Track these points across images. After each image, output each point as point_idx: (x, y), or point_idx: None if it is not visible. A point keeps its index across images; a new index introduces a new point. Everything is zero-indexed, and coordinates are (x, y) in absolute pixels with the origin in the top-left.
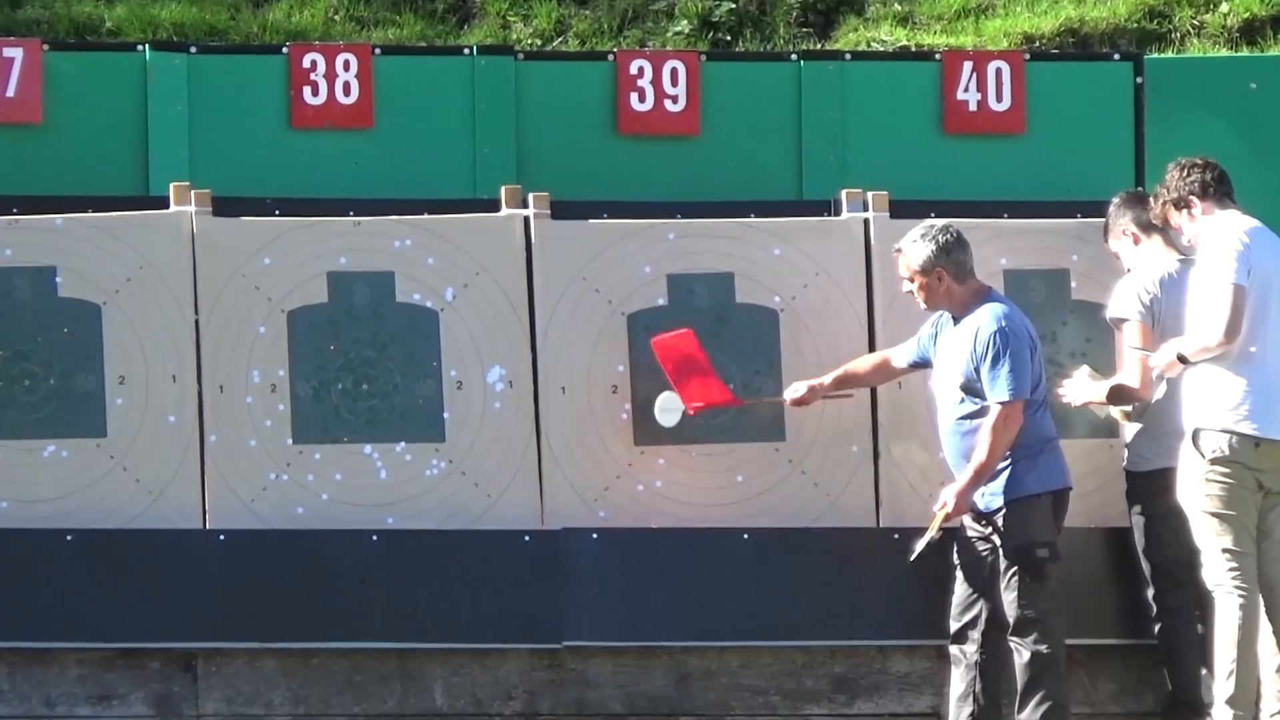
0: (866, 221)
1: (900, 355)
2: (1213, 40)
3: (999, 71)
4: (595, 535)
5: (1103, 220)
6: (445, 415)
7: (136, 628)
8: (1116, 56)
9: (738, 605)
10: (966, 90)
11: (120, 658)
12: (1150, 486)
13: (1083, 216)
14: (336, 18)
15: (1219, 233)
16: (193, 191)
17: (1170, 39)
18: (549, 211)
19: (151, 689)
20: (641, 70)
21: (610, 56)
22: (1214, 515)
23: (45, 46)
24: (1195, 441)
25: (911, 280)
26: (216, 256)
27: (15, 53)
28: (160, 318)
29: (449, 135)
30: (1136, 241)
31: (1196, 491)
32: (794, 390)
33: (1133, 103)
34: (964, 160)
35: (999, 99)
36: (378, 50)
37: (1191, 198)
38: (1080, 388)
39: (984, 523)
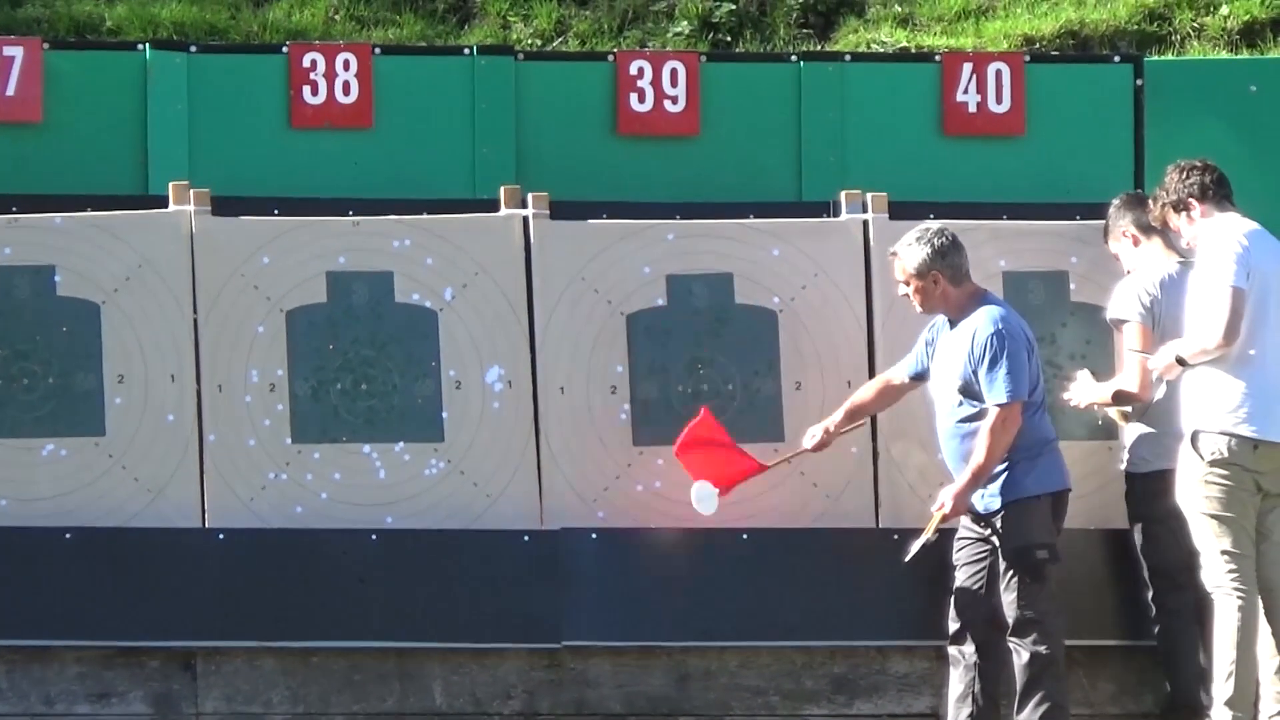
0: (866, 223)
1: (900, 372)
2: (1213, 42)
3: (999, 73)
4: (594, 535)
5: (1102, 222)
6: (444, 415)
7: (136, 626)
8: (1116, 59)
9: (737, 605)
10: (966, 92)
11: (119, 656)
12: (1150, 488)
13: (1082, 218)
14: (337, 17)
15: (1218, 235)
16: (192, 191)
17: (1170, 41)
18: (548, 212)
19: (151, 687)
20: (641, 71)
21: (610, 57)
22: (1213, 517)
23: (45, 45)
24: (1194, 444)
25: (907, 284)
26: (216, 256)
27: (15, 51)
28: (159, 317)
29: (449, 135)
30: (1136, 243)
31: (1195, 493)
32: (811, 437)
33: (1132, 105)
34: (963, 162)
35: (999, 101)
36: (378, 50)
37: (1191, 200)
38: (1084, 389)
39: (983, 524)
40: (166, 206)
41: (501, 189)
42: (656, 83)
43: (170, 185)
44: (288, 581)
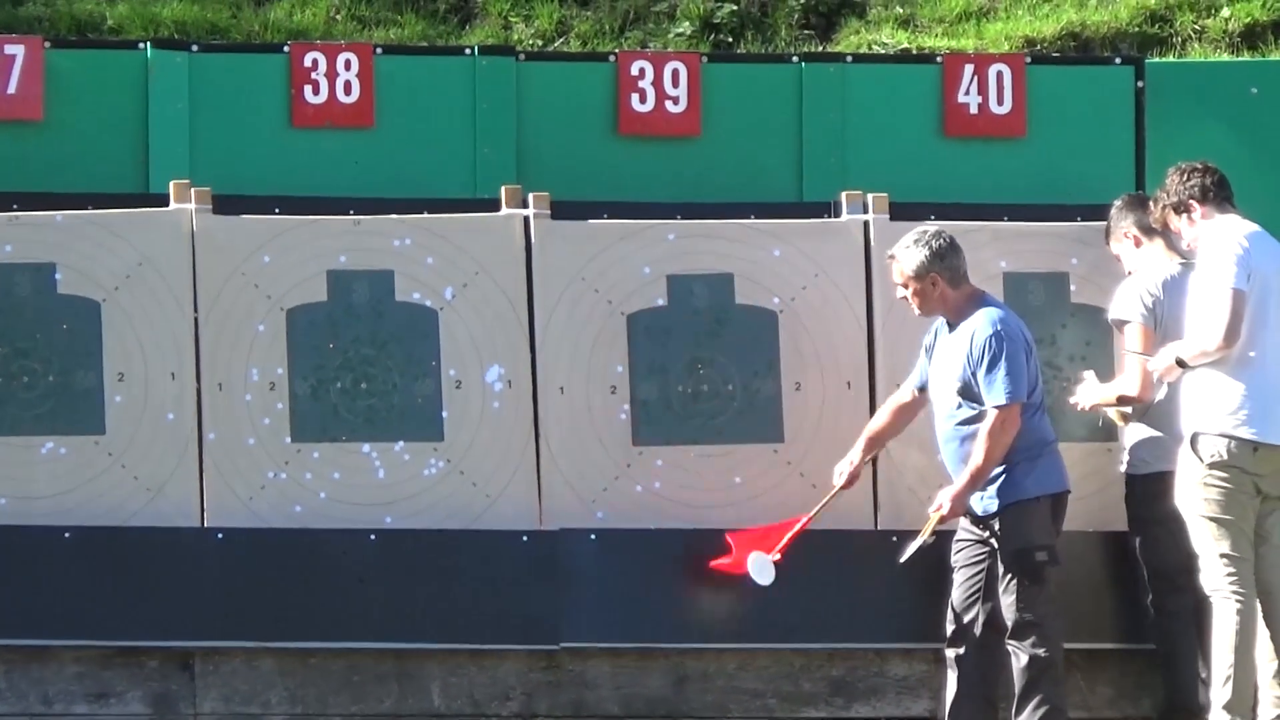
0: (866, 223)
1: (907, 390)
2: (1214, 45)
3: (1000, 74)
4: (593, 536)
5: (1103, 224)
6: (444, 414)
7: (134, 626)
8: (1117, 60)
9: (736, 607)
10: (967, 93)
11: (118, 656)
12: (1149, 490)
13: (1083, 220)
14: (338, 17)
15: (1219, 237)
16: (193, 189)
17: (1171, 43)
18: (549, 211)
19: (149, 687)
20: (643, 71)
21: (611, 57)
22: (1212, 520)
23: (46, 44)
24: (1193, 446)
25: (905, 286)
26: (216, 254)
27: (17, 50)
28: (159, 315)
29: (450, 135)
30: (1138, 244)
31: (1194, 496)
32: (839, 475)
33: (1133, 107)
34: (964, 163)
35: (1000, 102)
36: (379, 50)
37: (1191, 202)
38: (1088, 391)
39: (982, 526)
40: (167, 205)
41: (502, 189)
42: (658, 83)
43: (171, 184)
44: (286, 581)
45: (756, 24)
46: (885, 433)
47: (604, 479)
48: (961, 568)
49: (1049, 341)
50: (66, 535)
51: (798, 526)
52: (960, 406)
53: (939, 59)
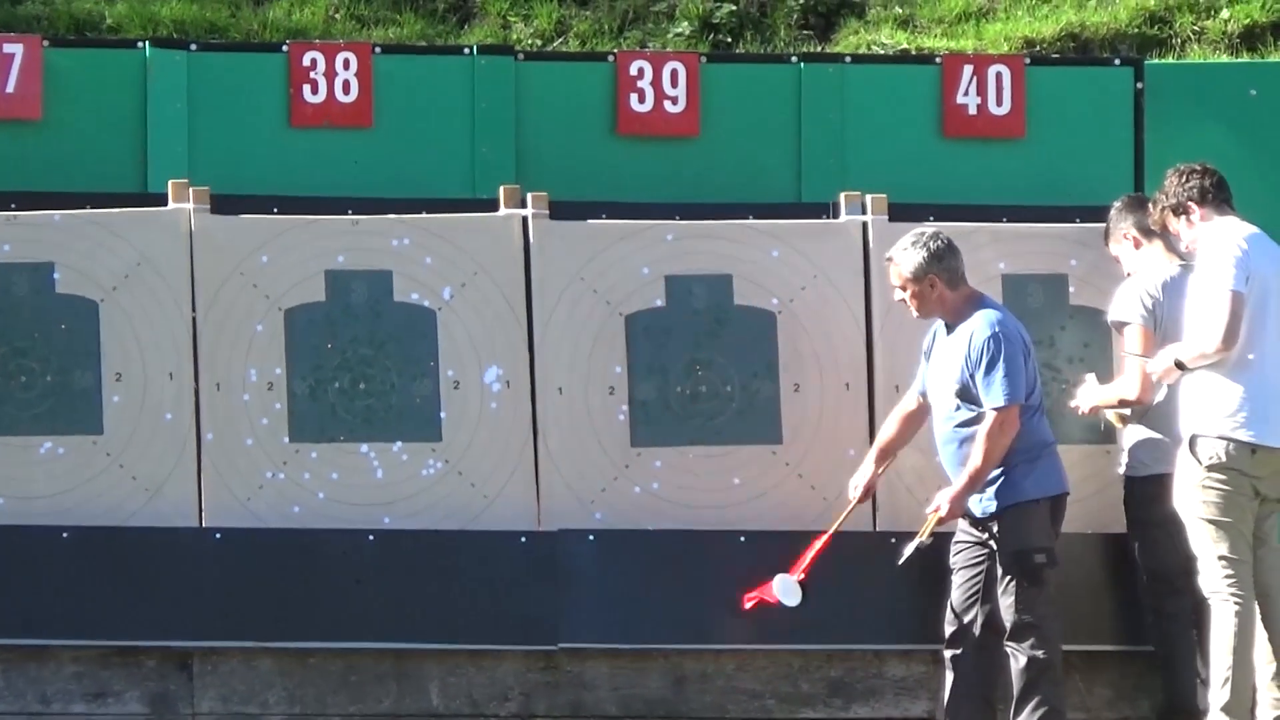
0: (865, 224)
1: (911, 398)
2: (1213, 46)
3: (999, 75)
4: (592, 537)
5: (1102, 225)
6: (442, 415)
7: (132, 626)
8: (1117, 61)
9: (734, 608)
10: (966, 94)
11: (116, 655)
12: (1148, 492)
13: (1082, 221)
14: (337, 16)
15: (1217, 239)
16: (191, 189)
17: (1171, 44)
18: (547, 212)
19: (147, 687)
20: (641, 71)
21: (610, 57)
22: (1210, 522)
23: (45, 43)
24: (1192, 448)
25: (904, 288)
26: (215, 254)
27: (15, 49)
28: (158, 315)
29: (448, 135)
30: (1138, 246)
31: (1193, 498)
32: (855, 489)
33: (1133, 108)
34: (963, 164)
35: (999, 103)
36: (378, 49)
37: (1190, 204)
38: (1088, 393)
39: (981, 528)
40: (166, 204)
41: (501, 189)
42: (657, 83)
43: (170, 183)
44: (285, 581)
45: (755, 24)
46: (895, 442)
47: (602, 480)
48: (960, 569)
49: (1048, 343)
50: (64, 535)
51: (818, 545)
52: (959, 408)
53: (938, 60)
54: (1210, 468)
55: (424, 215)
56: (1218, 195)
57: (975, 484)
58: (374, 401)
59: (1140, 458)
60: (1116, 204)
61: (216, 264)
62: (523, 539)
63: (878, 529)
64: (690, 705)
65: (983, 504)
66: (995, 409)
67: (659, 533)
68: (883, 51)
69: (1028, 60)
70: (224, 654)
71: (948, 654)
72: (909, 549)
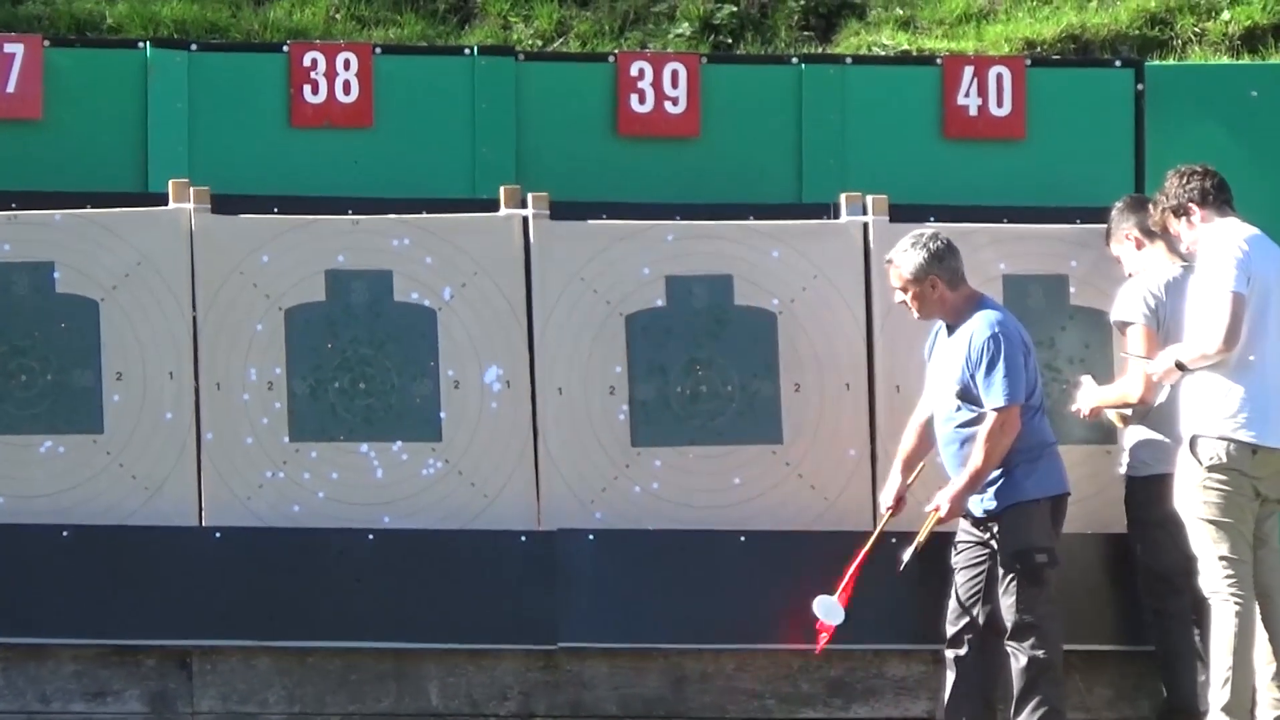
0: (866, 225)
1: (925, 406)
2: (1214, 48)
3: (1000, 77)
4: (591, 536)
5: (1102, 226)
6: (442, 415)
7: (132, 624)
8: (1118, 63)
9: (734, 608)
10: (967, 95)
11: (115, 654)
12: (1149, 492)
13: (1082, 222)
14: (337, 16)
15: (1218, 240)
16: (192, 189)
17: (1171, 46)
18: (548, 212)
19: (146, 686)
20: (642, 72)
21: (611, 58)
22: (1211, 522)
23: (46, 42)
24: (1193, 448)
25: (905, 290)
26: (215, 254)
27: (16, 48)
28: (158, 314)
29: (449, 135)
30: (1139, 246)
31: (1193, 498)
32: (887, 498)
33: (1133, 109)
34: (964, 165)
35: (1000, 104)
36: (378, 49)
37: (1190, 205)
38: (1089, 394)
39: (982, 527)
40: (166, 204)
41: (501, 189)
42: (657, 84)
43: (170, 183)
44: (284, 581)
45: (756, 25)
46: (918, 452)
47: (602, 479)
48: (962, 569)
49: (1048, 344)
50: (64, 534)
51: (855, 563)
52: (959, 409)
53: (939, 61)
54: (1211, 468)
55: (424, 215)
56: (1218, 197)
57: (975, 484)
58: (374, 401)
59: (1141, 457)
60: (1118, 204)
61: (217, 264)
62: (522, 539)
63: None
64: (690, 705)
65: (983, 504)
66: (996, 409)
67: (659, 533)
68: (883, 53)
69: (1028, 61)
70: (223, 653)
71: (949, 653)
72: (907, 554)
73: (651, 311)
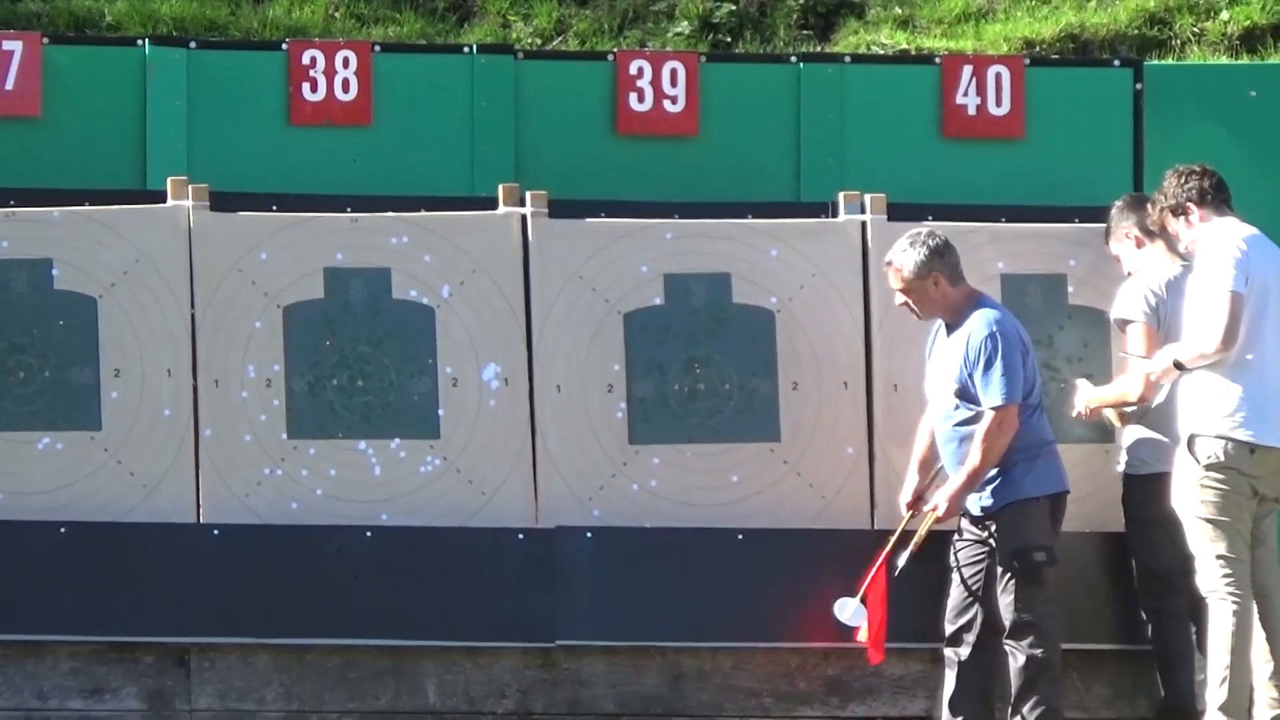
0: (864, 224)
1: (932, 409)
2: (1213, 47)
3: (999, 76)
4: (589, 534)
5: (1101, 226)
6: (440, 412)
7: (129, 621)
8: (1116, 63)
9: (732, 606)
10: (966, 94)
11: (113, 651)
12: (1147, 491)
13: (1081, 222)
14: (336, 14)
15: (1217, 240)
16: (190, 186)
17: (1170, 46)
18: (546, 210)
19: (144, 683)
20: (641, 70)
21: (610, 56)
22: (1208, 521)
23: (44, 40)
24: (1190, 447)
25: (907, 291)
26: (213, 251)
27: (14, 46)
28: (156, 312)
29: (448, 133)
30: (1140, 245)
31: (1191, 497)
32: (905, 499)
33: (1132, 109)
34: (962, 164)
35: (998, 103)
36: (377, 47)
37: (1189, 204)
38: (1088, 394)
39: (980, 526)
40: (165, 201)
41: (500, 187)
42: (656, 83)
43: (169, 180)
44: (282, 578)
45: (755, 24)
46: (933, 451)
47: (600, 477)
48: (961, 567)
49: (1046, 343)
50: (62, 530)
51: (875, 566)
52: (958, 407)
53: (938, 60)
54: (1208, 467)
55: (423, 213)
56: (1217, 196)
57: (973, 483)
58: (372, 399)
59: (1140, 456)
60: (1118, 203)
61: (215, 261)
62: (520, 536)
63: (875, 527)
64: (687, 703)
65: (981, 502)
66: (993, 408)
67: (657, 530)
68: (882, 52)
69: (1027, 61)
70: (221, 650)
71: (948, 652)
72: (904, 557)
73: (650, 310)
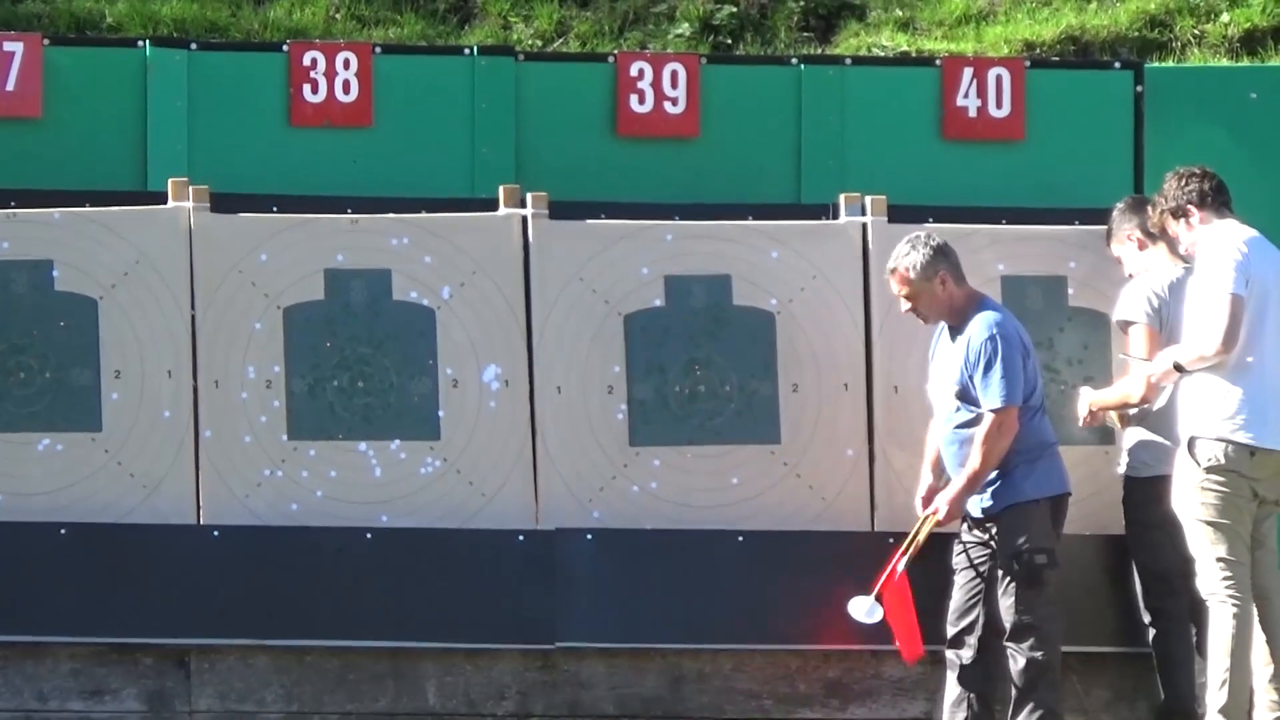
0: (865, 226)
1: None
2: (1213, 50)
3: (999, 78)
4: (589, 536)
5: (1101, 227)
6: (440, 414)
7: (129, 623)
8: (1117, 65)
9: (732, 608)
10: (966, 96)
11: (113, 653)
12: (1147, 493)
13: (1081, 224)
14: (337, 16)
15: (1217, 242)
16: (191, 187)
17: (1171, 48)
18: (547, 211)
19: (144, 684)
20: (642, 72)
21: (611, 58)
22: (1209, 524)
23: (45, 41)
24: (1191, 450)
25: (915, 294)
26: (214, 252)
27: (15, 47)
28: (157, 313)
29: (448, 135)
30: (1142, 247)
31: (1191, 500)
32: (920, 503)
33: (1132, 111)
34: (963, 166)
35: (999, 105)
36: (378, 49)
37: (1189, 207)
38: (1090, 397)
39: (981, 528)
40: (165, 203)
41: (500, 188)
42: (657, 84)
43: (169, 182)
44: (282, 579)
45: (756, 26)
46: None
47: (600, 479)
48: (962, 570)
49: (1047, 345)
50: (62, 531)
51: (892, 564)
52: (959, 409)
53: (938, 62)
54: (1209, 469)
55: (423, 215)
56: (1217, 198)
57: (973, 486)
58: (372, 400)
59: (1141, 458)
60: (1120, 205)
61: (216, 262)
62: (520, 538)
63: (876, 529)
64: (687, 705)
65: (982, 504)
66: (993, 411)
67: (657, 532)
68: (883, 54)
69: (1028, 63)
70: (221, 652)
71: (949, 654)
72: (903, 560)
73: (650, 311)
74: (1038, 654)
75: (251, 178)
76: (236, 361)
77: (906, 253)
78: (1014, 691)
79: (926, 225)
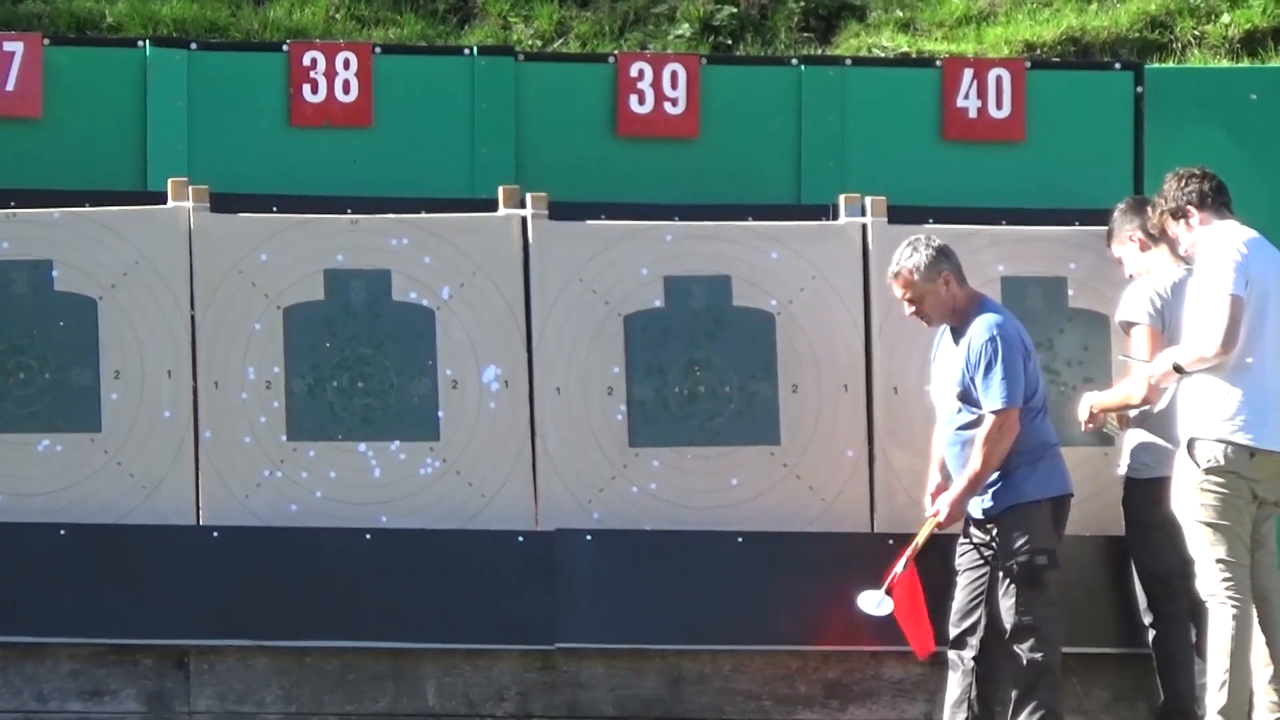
0: (865, 226)
1: None
2: (1213, 51)
3: (999, 79)
4: (589, 536)
5: (1101, 228)
6: (440, 414)
7: (129, 624)
8: (1117, 66)
9: (731, 608)
10: (967, 97)
11: (112, 653)
12: (1148, 495)
13: (1081, 224)
14: (337, 16)
15: (1217, 243)
16: (191, 187)
17: (1171, 49)
18: (547, 212)
19: (143, 685)
20: (642, 73)
21: (611, 58)
22: (1208, 525)
23: (45, 41)
24: (1190, 451)
25: (919, 297)
26: (213, 252)
27: (15, 47)
28: (156, 313)
29: (448, 135)
30: (1144, 248)
31: (1191, 501)
32: (929, 501)
33: (1133, 112)
34: (963, 167)
35: (999, 106)
36: (378, 49)
37: (1189, 208)
38: (1089, 400)
39: (982, 529)
40: (165, 203)
41: (500, 189)
42: (657, 85)
43: (169, 182)
44: (282, 580)
45: (756, 26)
46: None
47: (600, 480)
48: (964, 571)
49: (1046, 346)
50: (61, 532)
51: (902, 561)
52: (960, 411)
53: (938, 63)
54: (1208, 471)
55: (423, 215)
56: (1217, 199)
57: (974, 488)
58: (372, 400)
59: (1142, 460)
60: (1121, 205)
61: (215, 262)
62: (520, 539)
63: (875, 530)
64: (687, 706)
65: (983, 505)
66: (994, 412)
67: (656, 533)
68: (883, 54)
69: (1028, 64)
70: (221, 652)
71: (951, 655)
72: (901, 563)
73: (650, 312)
74: (1038, 655)
75: (251, 178)
76: (236, 362)
77: (909, 255)
78: (1014, 692)
79: (926, 226)
